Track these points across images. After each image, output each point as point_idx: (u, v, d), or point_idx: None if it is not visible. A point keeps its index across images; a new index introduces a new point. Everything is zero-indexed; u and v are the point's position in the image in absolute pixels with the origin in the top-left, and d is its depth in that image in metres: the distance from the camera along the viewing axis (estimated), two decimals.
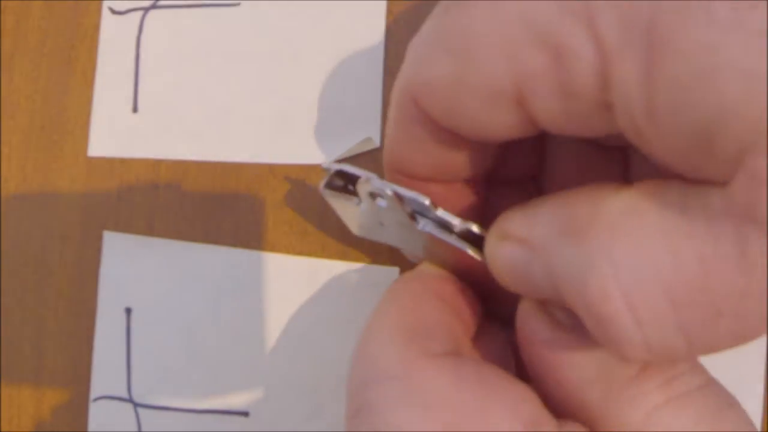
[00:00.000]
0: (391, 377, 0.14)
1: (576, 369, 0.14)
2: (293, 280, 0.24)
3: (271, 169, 0.24)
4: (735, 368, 0.24)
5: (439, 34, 0.14)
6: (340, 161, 0.24)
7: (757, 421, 0.24)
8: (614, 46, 0.11)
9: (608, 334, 0.12)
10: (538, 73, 0.12)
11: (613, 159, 0.18)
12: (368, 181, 0.18)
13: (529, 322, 0.15)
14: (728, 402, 0.15)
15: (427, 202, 0.17)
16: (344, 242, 0.24)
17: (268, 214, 0.24)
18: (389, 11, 0.24)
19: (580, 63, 0.12)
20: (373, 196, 0.18)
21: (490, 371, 0.15)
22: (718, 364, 0.24)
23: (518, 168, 0.19)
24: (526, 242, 0.14)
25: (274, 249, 0.24)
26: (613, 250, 0.12)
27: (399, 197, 0.17)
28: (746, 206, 0.11)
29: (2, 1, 0.26)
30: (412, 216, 0.17)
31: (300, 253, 0.24)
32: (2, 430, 0.25)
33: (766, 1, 0.10)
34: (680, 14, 0.10)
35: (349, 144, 0.24)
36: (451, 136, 0.15)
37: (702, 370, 0.15)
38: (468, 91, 0.13)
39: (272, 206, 0.24)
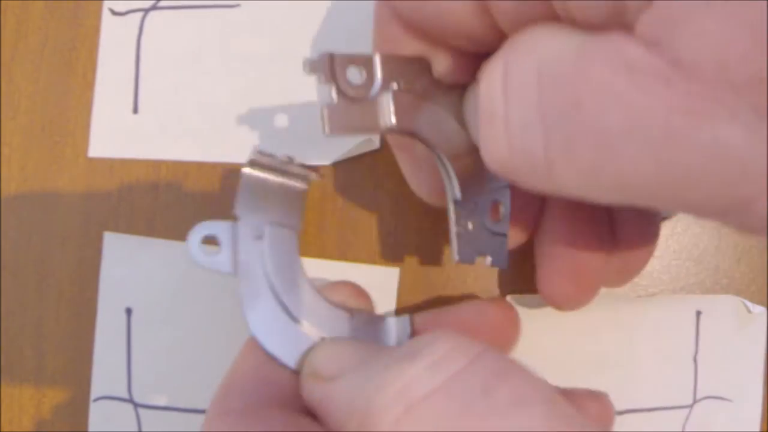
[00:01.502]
0: None
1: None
2: None
3: None
4: (735, 368, 0.24)
5: None
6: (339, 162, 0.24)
7: (756, 421, 0.24)
8: None
9: (486, 107, 0.13)
10: None
11: (601, 223, 0.20)
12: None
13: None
14: (485, 387, 0.14)
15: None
16: (344, 243, 0.24)
17: None
18: None
19: None
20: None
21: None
22: (718, 364, 0.24)
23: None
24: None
25: None
26: (506, 48, 0.13)
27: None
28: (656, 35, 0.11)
29: (3, 2, 0.26)
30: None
31: (299, 253, 0.24)
32: (3, 430, 0.25)
33: None
34: None
35: (349, 145, 0.24)
36: (419, 36, 0.16)
37: (466, 349, 0.14)
38: None
39: None
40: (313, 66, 0.17)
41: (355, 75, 0.17)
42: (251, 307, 0.18)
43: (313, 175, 0.20)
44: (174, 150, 0.25)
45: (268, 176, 0.19)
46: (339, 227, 0.24)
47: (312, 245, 0.24)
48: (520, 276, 0.24)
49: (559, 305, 0.20)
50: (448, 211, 0.19)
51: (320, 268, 0.24)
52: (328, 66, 0.17)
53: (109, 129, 0.25)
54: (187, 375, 0.24)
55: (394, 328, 0.20)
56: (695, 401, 0.24)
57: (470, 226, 0.19)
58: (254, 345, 0.18)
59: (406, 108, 0.17)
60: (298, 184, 0.20)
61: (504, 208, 0.19)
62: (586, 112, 0.12)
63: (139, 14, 0.25)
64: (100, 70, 0.25)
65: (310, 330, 0.18)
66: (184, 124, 0.25)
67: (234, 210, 0.19)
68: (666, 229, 0.25)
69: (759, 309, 0.24)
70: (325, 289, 0.20)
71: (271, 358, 0.18)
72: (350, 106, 0.17)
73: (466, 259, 0.19)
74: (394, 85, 0.17)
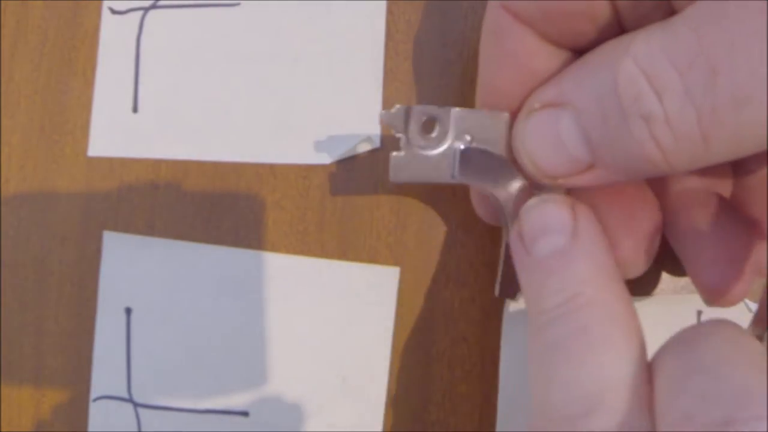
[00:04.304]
0: None
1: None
2: (293, 280, 0.24)
3: (271, 169, 0.24)
4: None
5: None
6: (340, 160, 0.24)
7: None
8: None
9: (641, 110, 0.15)
10: None
11: (731, 210, 0.20)
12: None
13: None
14: None
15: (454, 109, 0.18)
16: (344, 242, 0.24)
17: (268, 214, 0.24)
18: (389, 11, 0.24)
19: None
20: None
21: None
22: None
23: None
24: (554, 102, 0.16)
25: (274, 249, 0.24)
26: (630, 48, 0.15)
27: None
28: None
29: (2, 1, 0.26)
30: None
31: (300, 253, 0.24)
32: (2, 430, 0.25)
33: None
34: None
35: (349, 144, 0.24)
36: (537, 44, 0.18)
37: None
38: None
39: (272, 206, 0.24)
40: (388, 118, 0.18)
41: (428, 128, 0.18)
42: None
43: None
44: (174, 149, 0.25)
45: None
46: (339, 227, 0.24)
47: (312, 245, 0.24)
48: None
49: (722, 296, 0.20)
50: (501, 249, 0.20)
51: (320, 268, 0.24)
52: (403, 118, 0.18)
53: (108, 128, 0.25)
54: (187, 375, 0.24)
55: None
56: None
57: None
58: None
59: (472, 161, 0.18)
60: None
61: None
62: (723, 78, 0.13)
63: (139, 13, 0.25)
64: (100, 69, 0.25)
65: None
66: (184, 123, 0.25)
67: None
68: None
69: None
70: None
71: None
72: (417, 155, 0.18)
73: (507, 295, 0.20)
74: (467, 137, 0.18)
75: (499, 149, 0.18)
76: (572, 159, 0.16)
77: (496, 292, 0.20)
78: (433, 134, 0.18)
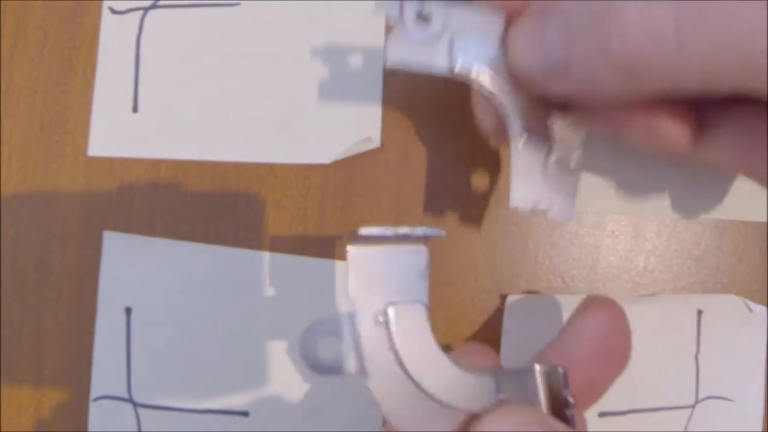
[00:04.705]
0: None
1: None
2: (293, 280, 0.24)
3: (271, 169, 0.24)
4: (736, 368, 0.24)
5: None
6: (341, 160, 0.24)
7: (758, 421, 0.24)
8: None
9: (616, 7, 0.14)
10: None
11: None
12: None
13: None
14: None
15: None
16: (344, 242, 0.24)
17: (268, 214, 0.24)
18: None
19: None
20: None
21: None
22: (719, 364, 0.24)
23: None
24: (548, 7, 0.16)
25: (274, 249, 0.24)
26: None
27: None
28: None
29: (2, 1, 0.26)
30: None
31: (300, 253, 0.24)
32: (2, 430, 0.25)
33: None
34: None
35: (349, 143, 0.24)
36: None
37: None
38: None
39: (272, 206, 0.24)
40: (383, 5, 0.18)
41: (424, 18, 0.18)
42: (388, 401, 0.16)
43: (433, 232, 0.16)
44: (174, 149, 0.25)
45: (378, 250, 0.16)
46: (339, 227, 0.24)
47: (312, 245, 0.24)
48: (520, 276, 0.24)
49: None
50: (512, 153, 0.19)
51: (320, 268, 0.24)
52: (398, 7, 0.18)
53: (108, 128, 0.25)
54: (187, 375, 0.24)
55: (542, 379, 0.17)
56: (697, 401, 0.24)
57: (532, 171, 0.19)
58: None
59: (468, 53, 0.18)
60: (416, 251, 0.16)
61: (576, 162, 0.19)
62: None
63: (139, 13, 0.25)
64: (100, 68, 0.25)
65: (458, 406, 0.16)
66: (183, 123, 0.25)
67: (348, 296, 0.16)
68: (667, 228, 0.25)
69: (760, 308, 0.24)
70: (456, 356, 0.18)
71: None
72: (414, 44, 0.18)
73: (523, 203, 0.19)
74: (462, 32, 0.18)
75: (496, 48, 0.18)
76: (550, 56, 0.16)
77: (511, 202, 0.19)
78: (430, 25, 0.18)
